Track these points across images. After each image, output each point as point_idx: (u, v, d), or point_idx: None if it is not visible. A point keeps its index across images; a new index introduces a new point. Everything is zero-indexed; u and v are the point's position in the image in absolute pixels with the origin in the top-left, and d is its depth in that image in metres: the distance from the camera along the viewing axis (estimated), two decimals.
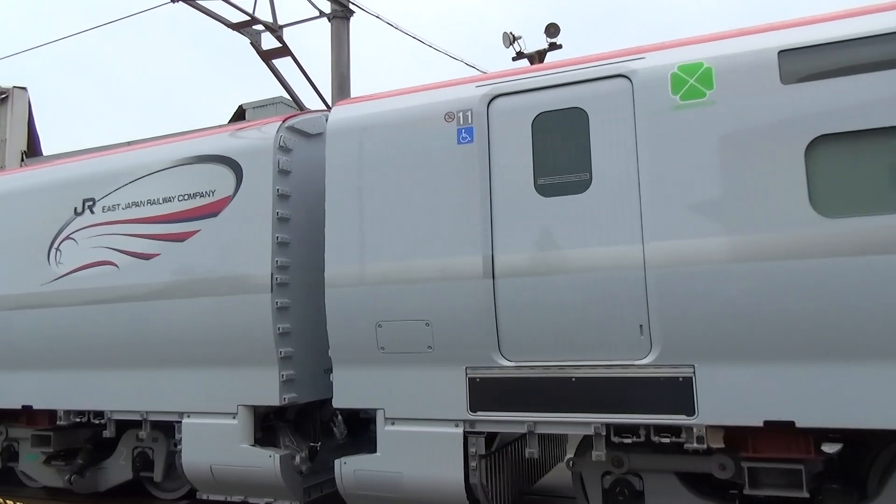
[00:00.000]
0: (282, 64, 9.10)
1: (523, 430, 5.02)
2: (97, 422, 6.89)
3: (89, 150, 15.71)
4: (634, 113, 4.84)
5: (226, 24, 8.78)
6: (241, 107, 18.84)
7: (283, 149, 6.16)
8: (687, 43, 4.89)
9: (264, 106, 17.85)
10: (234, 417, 6.05)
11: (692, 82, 4.72)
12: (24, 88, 22.28)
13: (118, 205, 6.76)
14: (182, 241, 6.34)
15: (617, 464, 5.09)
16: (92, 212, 6.89)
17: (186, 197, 6.40)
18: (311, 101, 12.11)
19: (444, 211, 5.25)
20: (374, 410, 5.48)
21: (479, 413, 5.11)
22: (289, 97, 9.71)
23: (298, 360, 6.09)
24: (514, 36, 13.27)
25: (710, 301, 4.49)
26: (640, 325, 4.70)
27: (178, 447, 6.40)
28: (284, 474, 5.89)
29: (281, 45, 8.90)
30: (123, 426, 7.05)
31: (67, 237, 6.99)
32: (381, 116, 5.60)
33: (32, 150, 22.05)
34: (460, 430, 5.18)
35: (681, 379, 4.60)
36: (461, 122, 5.30)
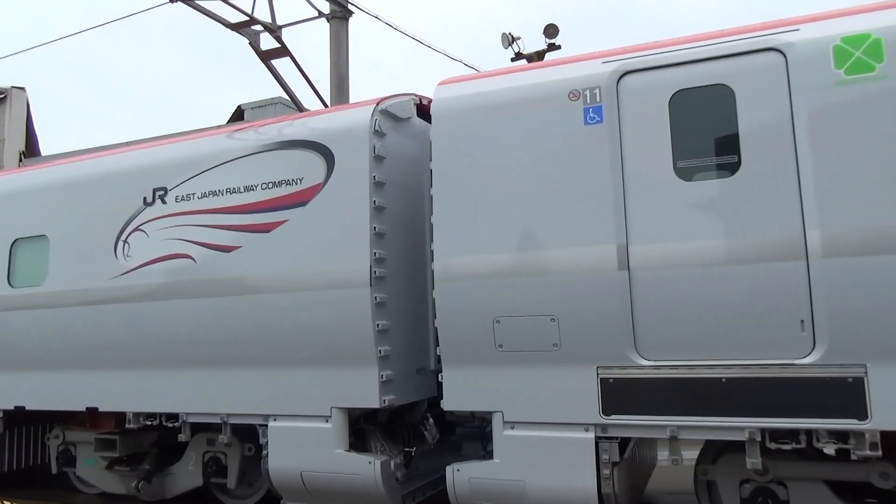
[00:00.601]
0: (281, 64, 9.02)
1: (664, 435, 4.60)
2: (170, 425, 6.48)
3: (89, 150, 15.46)
4: (790, 89, 4.43)
5: (225, 25, 8.66)
6: (239, 107, 18.68)
7: (378, 133, 5.75)
8: (847, 13, 4.49)
9: (263, 106, 17.75)
10: (327, 421, 5.64)
11: (859, 55, 4.31)
12: (22, 88, 22.03)
13: (193, 194, 6.34)
14: (267, 232, 5.92)
15: (760, 471, 4.69)
16: (164, 202, 6.48)
17: (271, 185, 5.98)
18: (309, 101, 11.88)
19: (571, 197, 4.84)
20: (491, 414, 5.07)
21: (612, 416, 4.69)
22: (287, 97, 9.55)
23: (395, 359, 5.68)
24: (512, 36, 13.22)
25: (890, 296, 4.08)
26: (801, 321, 4.29)
27: (264, 452, 5.98)
28: (385, 482, 5.48)
29: (280, 45, 8.77)
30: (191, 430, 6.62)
31: (136, 229, 6.57)
32: (496, 95, 5.18)
33: (31, 150, 21.78)
34: (591, 435, 4.76)
35: (850, 380, 4.18)
36: (588, 101, 4.89)
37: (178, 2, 8.48)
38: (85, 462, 7.39)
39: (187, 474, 6.86)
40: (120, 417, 6.81)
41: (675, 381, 4.55)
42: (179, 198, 6.40)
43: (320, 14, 10.34)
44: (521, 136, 5.03)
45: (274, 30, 8.71)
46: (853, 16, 4.43)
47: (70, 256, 6.92)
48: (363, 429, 5.96)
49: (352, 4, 11.10)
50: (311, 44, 13.57)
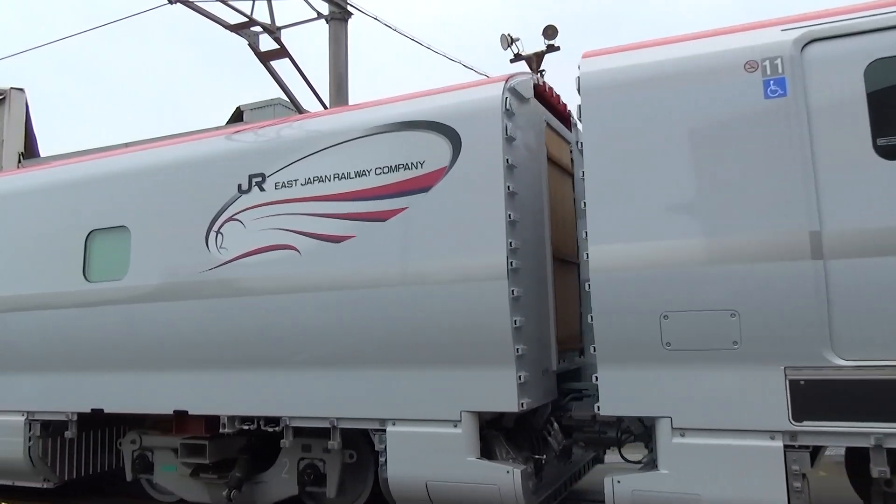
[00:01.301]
0: (280, 65, 8.64)
1: (866, 443, 4.12)
2: (270, 429, 5.98)
3: (89, 151, 15.11)
4: None
5: (224, 26, 8.44)
6: (238, 108, 18.43)
7: (509, 112, 5.27)
8: None
9: (262, 108, 17.51)
10: (455, 426, 5.15)
11: None
12: (21, 90, 21.71)
13: (295, 181, 5.85)
14: (384, 220, 5.44)
15: None
16: (261, 189, 5.98)
17: (387, 170, 5.50)
18: (309, 102, 11.67)
19: (751, 177, 4.36)
20: (656, 419, 4.59)
21: (804, 423, 4.21)
22: (287, 99, 9.29)
23: (528, 358, 5.20)
24: (511, 38, 13.31)
25: None
26: None
27: (381, 460, 5.50)
28: (525, 493, 5.00)
29: (279, 46, 8.46)
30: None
31: (231, 219, 6.07)
32: (658, 67, 4.70)
33: (30, 151, 21.44)
34: (779, 444, 4.28)
35: None
36: (768, 73, 4.41)
37: (178, 3, 8.30)
38: (163, 468, 6.89)
39: (281, 482, 6.36)
40: (210, 421, 6.32)
41: (881, 383, 4.06)
42: (280, 185, 5.91)
43: (319, 15, 10.15)
44: (689, 110, 4.55)
45: (273, 31, 8.49)
46: None
47: (154, 249, 6.44)
48: (486, 434, 5.48)
49: (351, 6, 11.00)
50: (310, 45, 13.33)
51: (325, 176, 5.74)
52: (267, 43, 8.44)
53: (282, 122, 6.40)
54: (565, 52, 19.26)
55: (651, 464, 4.79)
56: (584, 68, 4.95)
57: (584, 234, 4.81)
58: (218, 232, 6.11)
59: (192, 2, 8.32)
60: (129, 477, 7.08)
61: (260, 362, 5.90)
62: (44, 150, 22.26)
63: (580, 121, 4.91)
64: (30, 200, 7.34)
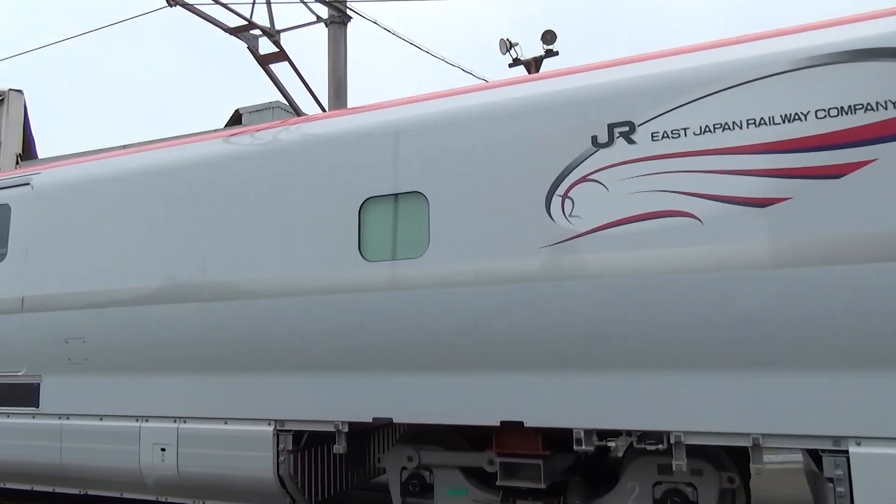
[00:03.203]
0: (279, 69, 8.64)
1: None
2: (652, 447, 4.76)
3: (88, 151, 15.01)
4: None
5: (223, 29, 8.39)
6: (237, 111, 18.54)
7: None
8: None
9: (261, 111, 17.71)
10: None
11: None
12: (20, 91, 21.76)
13: (685, 129, 4.72)
14: (837, 177, 4.34)
15: None
16: (630, 141, 4.86)
17: (835, 112, 4.40)
18: (307, 105, 11.74)
19: None
20: None
21: None
22: (285, 102, 9.26)
23: None
24: (510, 42, 13.70)
25: None
26: None
27: (838, 489, 4.29)
28: None
29: (278, 49, 8.44)
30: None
31: (584, 179, 4.93)
32: None
33: (28, 152, 21.51)
34: None
35: None
36: None
37: (177, 6, 8.28)
38: (448, 493, 5.65)
39: None
40: (550, 436, 5.22)
41: None
42: (659, 135, 4.78)
43: (319, 19, 10.27)
44: None
45: (272, 34, 8.48)
46: None
47: (465, 219, 5.22)
48: None
49: (350, 9, 11.06)
50: (309, 48, 13.43)
51: (737, 122, 4.62)
52: (266, 46, 8.44)
53: (648, 56, 5.12)
54: (565, 57, 19.43)
55: None
56: None
57: None
58: (565, 196, 4.97)
59: (192, 5, 8.28)
60: (396, 502, 5.89)
61: (641, 361, 4.67)
62: (42, 151, 22.56)
63: None
64: (295, 161, 5.99)
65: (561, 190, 4.97)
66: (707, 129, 4.68)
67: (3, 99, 21.04)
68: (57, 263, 6.85)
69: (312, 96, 9.31)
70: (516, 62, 13.74)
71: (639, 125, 4.86)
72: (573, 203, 4.93)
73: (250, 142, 6.27)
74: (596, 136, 4.95)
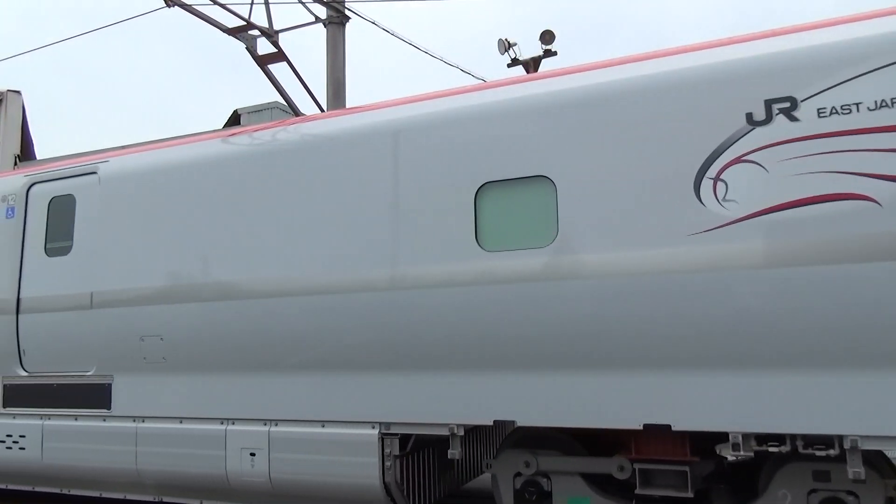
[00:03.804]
0: (277, 69, 8.59)
1: None
2: (818, 452, 4.38)
3: (88, 152, 15.04)
4: None
5: (221, 29, 8.35)
6: (236, 111, 18.50)
7: None
8: None
9: (260, 111, 17.68)
10: None
11: None
12: (18, 92, 21.63)
13: (857, 104, 4.32)
14: None
15: None
16: (792, 118, 4.47)
17: None
18: (306, 106, 11.75)
19: None
20: None
21: None
22: (284, 102, 9.19)
23: None
24: (509, 42, 13.61)
25: None
26: None
27: None
28: None
29: (276, 50, 8.38)
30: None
31: (740, 160, 4.55)
32: None
33: (26, 153, 21.41)
34: None
35: None
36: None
37: (175, 6, 8.24)
38: (570, 501, 5.26)
39: None
40: (698, 440, 4.88)
41: None
42: (826, 111, 4.39)
43: (317, 19, 10.13)
44: None
45: (271, 35, 8.42)
46: None
47: (599, 205, 4.87)
48: None
49: (349, 10, 10.99)
50: (307, 48, 13.39)
51: None
52: (265, 47, 8.41)
53: (793, 29, 4.70)
54: (563, 58, 19.48)
55: None
56: None
57: None
58: (717, 179, 4.58)
59: (190, 5, 8.27)
60: None
61: (814, 359, 4.30)
62: (40, 152, 22.41)
63: None
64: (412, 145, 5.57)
65: (713, 172, 4.58)
66: (885, 104, 4.25)
67: (1, 100, 20.93)
68: (130, 256, 6.47)
69: (311, 97, 9.28)
70: (515, 62, 13.74)
71: (801, 101, 4.45)
72: (728, 187, 4.54)
73: (325, 131, 5.93)
74: (751, 113, 4.56)
